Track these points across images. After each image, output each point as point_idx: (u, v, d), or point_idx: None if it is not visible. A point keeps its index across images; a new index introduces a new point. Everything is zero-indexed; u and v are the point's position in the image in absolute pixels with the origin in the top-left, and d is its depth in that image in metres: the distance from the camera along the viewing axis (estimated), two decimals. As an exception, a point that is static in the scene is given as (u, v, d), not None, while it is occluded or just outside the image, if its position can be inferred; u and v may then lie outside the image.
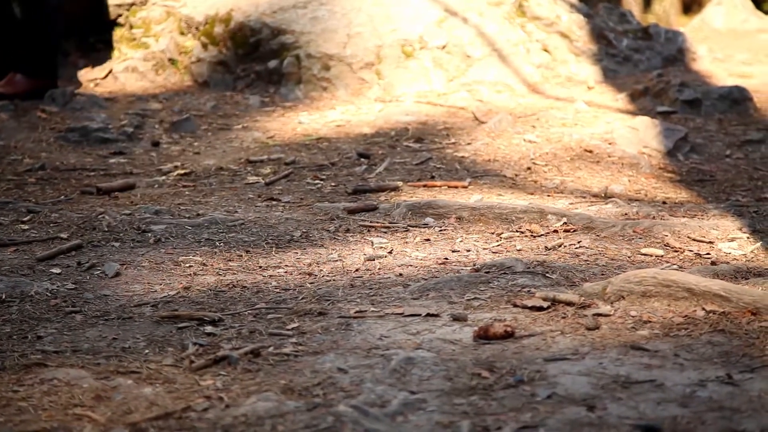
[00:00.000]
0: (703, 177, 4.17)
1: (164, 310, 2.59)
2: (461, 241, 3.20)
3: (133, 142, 4.66)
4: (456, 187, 3.89)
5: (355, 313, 2.52)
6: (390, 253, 3.08)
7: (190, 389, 2.10)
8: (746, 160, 4.41)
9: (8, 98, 5.17)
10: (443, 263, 2.97)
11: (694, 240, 3.17)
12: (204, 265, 2.99)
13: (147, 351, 2.32)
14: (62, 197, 3.82)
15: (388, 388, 2.06)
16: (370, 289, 2.73)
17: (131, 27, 5.94)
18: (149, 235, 3.25)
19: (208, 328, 2.44)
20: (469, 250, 3.10)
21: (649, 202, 3.73)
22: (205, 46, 5.72)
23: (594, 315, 2.44)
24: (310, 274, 2.89)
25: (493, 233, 3.27)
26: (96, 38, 5.96)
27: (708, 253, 3.05)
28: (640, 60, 6.04)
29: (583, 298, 2.53)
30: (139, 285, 2.81)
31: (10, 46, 5.36)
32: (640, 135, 4.45)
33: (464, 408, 1.98)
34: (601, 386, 2.05)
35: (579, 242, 3.13)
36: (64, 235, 3.26)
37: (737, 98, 5.16)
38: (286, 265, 2.98)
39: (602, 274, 2.82)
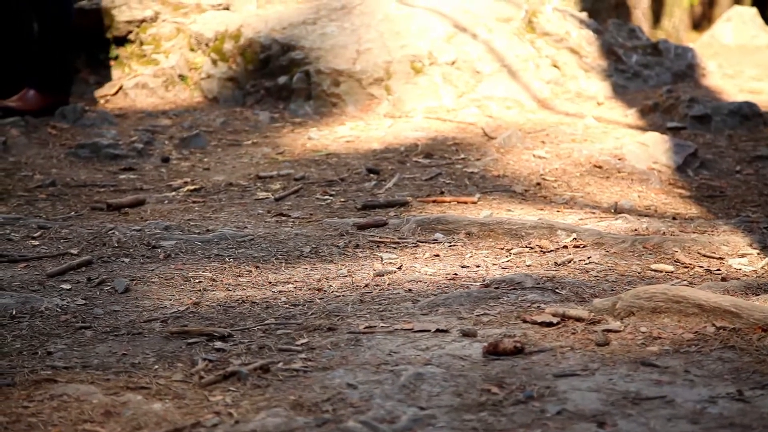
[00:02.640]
0: (713, 193, 4.16)
1: (174, 326, 2.59)
2: (471, 256, 3.20)
3: (143, 158, 4.67)
4: (465, 202, 3.89)
5: (365, 328, 2.52)
6: (399, 268, 3.08)
7: (200, 405, 2.10)
8: (756, 176, 4.40)
9: (20, 114, 5.19)
10: (453, 279, 2.97)
11: (704, 256, 3.16)
12: (213, 280, 2.99)
13: (156, 366, 2.32)
14: (73, 213, 3.83)
15: (398, 404, 2.06)
16: (380, 304, 2.73)
17: (141, 43, 5.96)
18: (159, 250, 3.26)
19: (218, 344, 2.44)
20: (478, 266, 3.10)
21: (659, 218, 3.73)
22: (215, 62, 5.74)
23: (604, 331, 2.44)
24: (319, 290, 2.89)
25: (502, 249, 3.27)
26: (106, 55, 5.99)
27: (718, 269, 3.05)
28: (650, 76, 6.05)
29: (592, 314, 2.53)
30: (148, 300, 2.81)
31: (25, 62, 5.39)
32: (650, 151, 4.44)
33: (474, 424, 1.97)
34: (611, 402, 2.05)
35: (589, 258, 3.13)
36: (74, 251, 3.26)
37: (747, 114, 5.16)
38: (296, 281, 2.98)
39: (612, 290, 2.82)
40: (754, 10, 7.84)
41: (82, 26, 5.90)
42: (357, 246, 3.32)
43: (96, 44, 5.98)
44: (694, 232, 3.47)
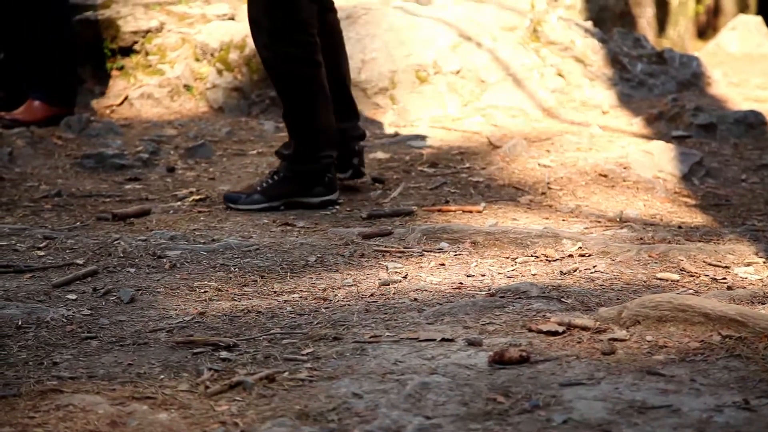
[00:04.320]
0: (719, 201, 4.16)
1: (179, 336, 2.59)
2: (476, 265, 3.20)
3: (149, 168, 4.67)
4: (471, 211, 3.89)
5: (370, 338, 2.52)
6: (405, 277, 3.08)
7: (206, 415, 2.10)
8: (762, 185, 4.40)
9: (26, 125, 5.20)
10: (458, 288, 2.97)
11: (710, 265, 3.16)
12: (219, 290, 2.99)
13: (162, 376, 2.32)
14: (78, 223, 3.84)
15: (403, 413, 2.05)
16: (385, 313, 2.73)
17: (147, 54, 5.97)
18: (164, 260, 3.26)
19: (223, 354, 2.44)
20: (483, 275, 3.09)
21: (665, 227, 3.73)
22: (220, 72, 5.74)
23: (610, 340, 2.44)
24: (324, 299, 2.89)
25: (507, 258, 3.27)
26: (112, 65, 6.00)
27: (724, 278, 3.04)
28: (655, 84, 6.05)
29: (598, 323, 2.52)
30: (154, 310, 2.82)
31: (26, 63, 5.40)
32: (655, 159, 4.44)
33: (480, 433, 1.97)
34: (617, 411, 2.04)
35: (594, 267, 3.13)
36: (79, 261, 3.27)
37: (753, 122, 5.16)
38: (301, 290, 2.98)
39: (618, 299, 2.81)
40: (759, 19, 7.85)
41: (88, 37, 5.91)
42: (362, 255, 3.32)
43: (101, 55, 5.99)
44: (699, 241, 3.47)
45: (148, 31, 6.00)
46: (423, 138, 4.99)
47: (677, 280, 3.02)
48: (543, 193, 4.14)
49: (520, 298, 2.80)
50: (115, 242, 3.42)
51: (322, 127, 3.98)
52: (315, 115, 3.96)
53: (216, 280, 3.08)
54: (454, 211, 3.91)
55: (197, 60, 5.85)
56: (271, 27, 3.87)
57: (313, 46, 3.93)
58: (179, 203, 4.14)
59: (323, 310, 2.78)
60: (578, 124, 5.25)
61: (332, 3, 4.16)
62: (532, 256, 3.27)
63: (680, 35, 11.52)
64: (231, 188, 4.21)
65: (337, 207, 4.02)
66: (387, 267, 3.19)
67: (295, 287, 3.01)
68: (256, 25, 3.91)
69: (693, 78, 6.18)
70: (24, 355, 2.47)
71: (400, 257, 3.30)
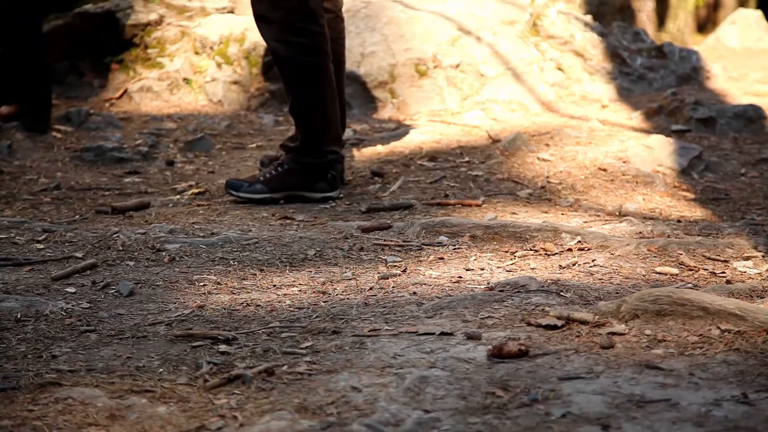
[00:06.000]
0: (718, 195, 4.16)
1: (178, 329, 2.59)
2: (475, 259, 3.20)
3: (148, 161, 4.67)
4: (470, 205, 3.89)
5: (369, 331, 2.52)
6: (404, 271, 3.08)
7: (204, 408, 2.10)
8: (761, 179, 4.40)
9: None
10: (457, 282, 2.97)
11: (708, 259, 3.16)
12: (218, 283, 2.99)
13: (161, 370, 2.32)
14: (77, 216, 3.84)
15: (402, 407, 2.06)
16: (384, 307, 2.73)
17: (146, 47, 5.97)
18: (164, 254, 3.26)
19: (222, 347, 2.44)
20: (483, 269, 3.09)
21: (664, 221, 3.73)
22: (219, 65, 5.74)
23: (608, 334, 2.44)
24: (324, 293, 2.89)
25: (507, 252, 3.27)
26: (111, 59, 6.00)
27: (723, 272, 3.04)
28: (655, 78, 6.04)
29: (597, 317, 2.53)
30: (153, 304, 2.82)
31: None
32: (655, 153, 4.44)
33: (478, 427, 1.97)
34: (615, 405, 2.05)
35: (593, 261, 3.13)
36: (79, 255, 3.27)
37: (752, 117, 5.16)
38: (300, 284, 2.98)
39: (617, 293, 2.81)
40: (759, 13, 7.84)
41: (87, 30, 5.91)
42: (361, 249, 3.32)
43: (101, 48, 5.99)
44: (698, 235, 3.47)
45: (147, 25, 6.00)
46: (422, 132, 4.99)
47: (676, 274, 3.02)
48: (542, 187, 4.15)
49: (519, 291, 2.80)
50: (114, 235, 3.42)
51: (328, 121, 3.99)
52: (323, 107, 3.96)
53: (215, 273, 3.08)
54: (454, 204, 3.91)
55: (196, 53, 5.85)
56: (281, 18, 3.88)
57: (322, 37, 3.94)
58: (178, 197, 4.14)
59: (322, 303, 2.79)
60: (578, 118, 5.25)
61: (341, 11, 4.20)
62: (531, 250, 3.27)
63: (680, 29, 11.52)
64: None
65: (337, 201, 4.02)
66: (386, 261, 3.19)
67: (294, 281, 3.01)
68: (264, 21, 3.92)
69: (692, 72, 6.18)
70: (23, 348, 2.47)
71: (399, 251, 3.30)
